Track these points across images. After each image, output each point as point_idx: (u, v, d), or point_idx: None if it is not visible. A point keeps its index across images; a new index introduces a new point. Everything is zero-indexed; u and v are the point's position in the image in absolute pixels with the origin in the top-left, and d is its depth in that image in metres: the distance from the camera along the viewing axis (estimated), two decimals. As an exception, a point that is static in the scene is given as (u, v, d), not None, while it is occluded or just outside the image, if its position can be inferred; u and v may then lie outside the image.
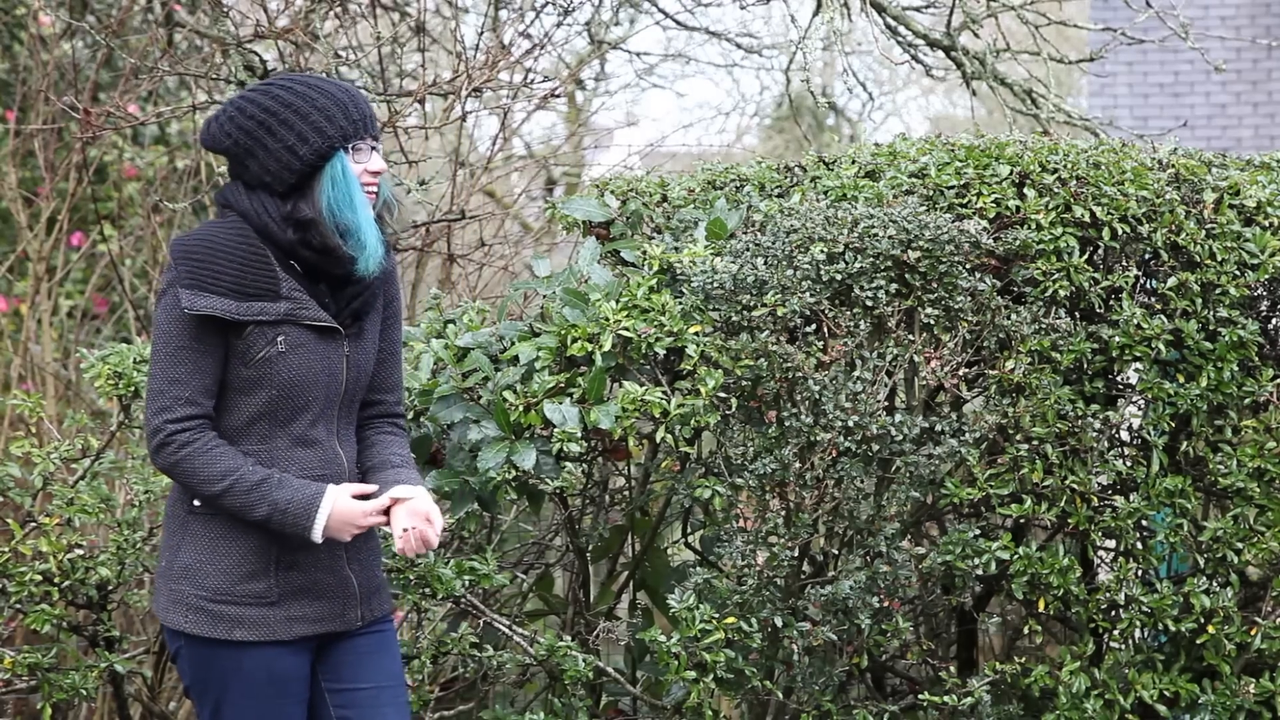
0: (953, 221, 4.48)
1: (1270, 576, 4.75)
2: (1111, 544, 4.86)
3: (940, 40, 7.10)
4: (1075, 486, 4.57)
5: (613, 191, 4.98)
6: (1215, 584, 4.63)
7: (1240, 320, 4.61)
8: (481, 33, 6.42)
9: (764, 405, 4.42)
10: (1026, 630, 4.69)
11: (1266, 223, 4.69)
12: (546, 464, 4.41)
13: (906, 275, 4.44)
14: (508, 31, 6.70)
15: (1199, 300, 4.62)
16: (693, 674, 4.40)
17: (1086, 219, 4.61)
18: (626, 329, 4.44)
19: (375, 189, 3.63)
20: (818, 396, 4.35)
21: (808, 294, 4.39)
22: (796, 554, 4.51)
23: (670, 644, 4.38)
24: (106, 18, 7.84)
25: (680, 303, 4.47)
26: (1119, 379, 4.83)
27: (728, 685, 4.49)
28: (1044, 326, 4.55)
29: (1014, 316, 4.52)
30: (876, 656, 4.74)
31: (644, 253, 4.65)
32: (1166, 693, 4.65)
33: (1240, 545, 4.63)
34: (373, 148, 3.61)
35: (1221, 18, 14.75)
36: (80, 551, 4.59)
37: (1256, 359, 4.66)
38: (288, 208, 3.55)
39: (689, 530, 5.13)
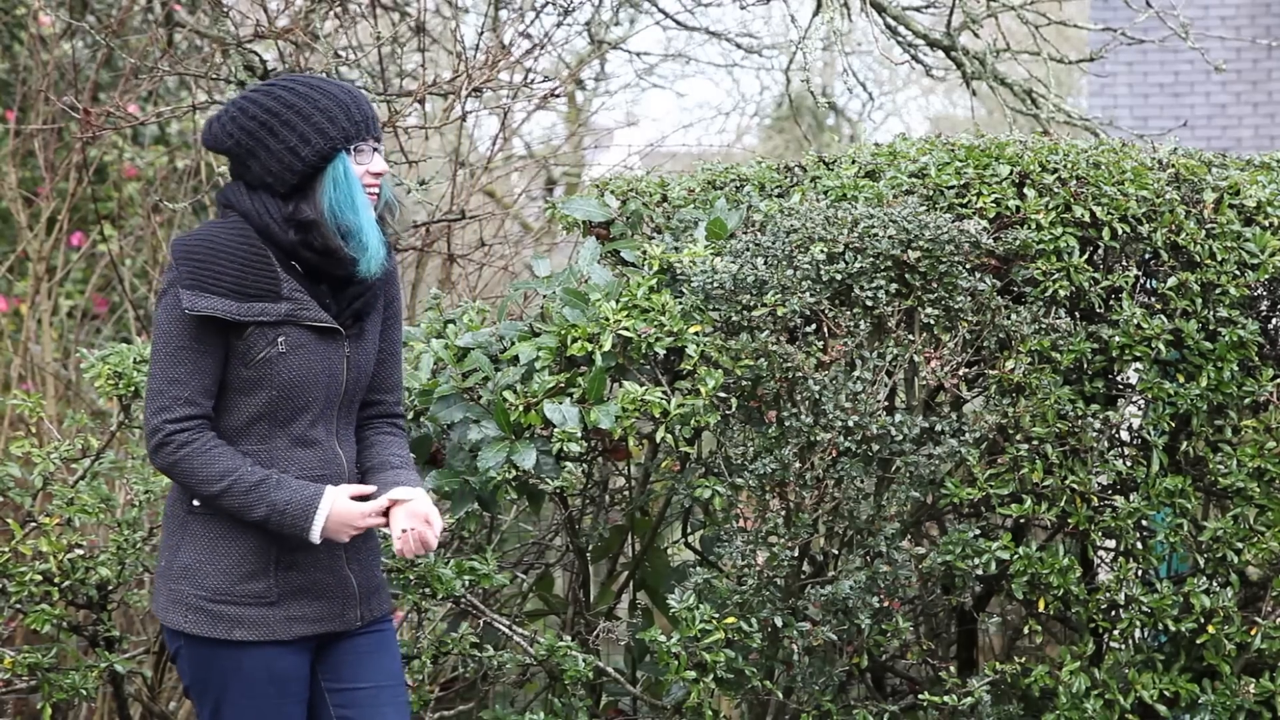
0: (953, 221, 4.48)
1: (1270, 576, 4.76)
2: (1111, 544, 4.86)
3: (940, 40, 7.10)
4: (1075, 486, 4.58)
5: (613, 191, 4.99)
6: (1215, 584, 4.63)
7: (1240, 320, 4.61)
8: (481, 33, 6.43)
9: (764, 405, 4.42)
10: (1026, 630, 4.69)
11: (1266, 223, 4.69)
12: (546, 464, 4.41)
13: (906, 275, 4.44)
14: (508, 31, 6.70)
15: (1199, 300, 4.62)
16: (693, 674, 4.40)
17: (1086, 219, 4.61)
18: (626, 329, 4.44)
19: (377, 190, 3.63)
20: (818, 396, 4.35)
21: (808, 294, 4.39)
22: (796, 554, 4.51)
23: (670, 644, 4.38)
24: (106, 18, 7.84)
25: (680, 303, 4.47)
26: (1119, 379, 4.83)
27: (728, 685, 4.50)
28: (1044, 326, 4.55)
29: (1014, 316, 4.52)
30: (876, 656, 4.74)
31: (644, 253, 4.65)
32: (1166, 693, 4.65)
33: (1240, 545, 4.63)
34: (375, 149, 3.61)
35: (1221, 18, 14.75)
36: (80, 551, 4.59)
37: (1256, 359, 4.66)
38: (289, 209, 3.55)
39: (689, 530, 5.13)
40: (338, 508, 3.53)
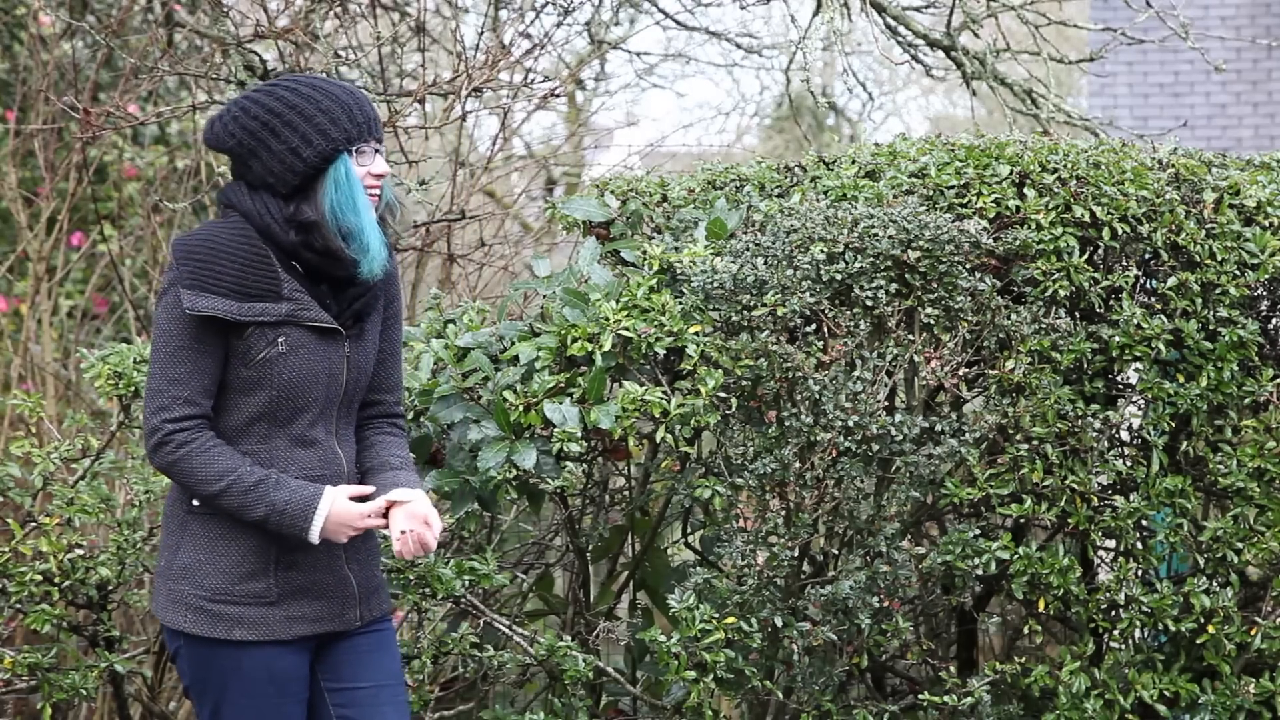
0: (953, 221, 4.48)
1: (1270, 576, 4.75)
2: (1111, 544, 4.86)
3: (940, 40, 7.10)
4: (1075, 486, 4.58)
5: (613, 191, 4.99)
6: (1215, 584, 4.63)
7: (1240, 320, 4.61)
8: (481, 33, 6.42)
9: (764, 405, 4.42)
10: (1026, 630, 4.69)
11: (1266, 223, 4.69)
12: (546, 464, 4.41)
13: (906, 275, 4.44)
14: (508, 31, 6.70)
15: (1199, 300, 4.62)
16: (693, 674, 4.40)
17: (1086, 219, 4.61)
18: (626, 329, 4.44)
19: (378, 191, 3.63)
20: (818, 396, 4.35)
21: (808, 294, 4.39)
22: (796, 554, 4.51)
23: (670, 644, 4.38)
24: (106, 18, 7.84)
25: (680, 303, 4.47)
26: (1119, 379, 4.83)
27: (728, 685, 4.49)
28: (1044, 326, 4.55)
29: (1014, 316, 4.52)
30: (876, 656, 4.74)
31: (644, 253, 4.65)
32: (1166, 693, 4.65)
33: (1240, 545, 4.63)
34: (376, 150, 3.61)
35: (1221, 18, 14.75)
36: (80, 551, 4.59)
37: (1256, 359, 4.66)
38: (290, 209, 3.55)
39: (689, 530, 5.13)
40: (337, 508, 3.53)
